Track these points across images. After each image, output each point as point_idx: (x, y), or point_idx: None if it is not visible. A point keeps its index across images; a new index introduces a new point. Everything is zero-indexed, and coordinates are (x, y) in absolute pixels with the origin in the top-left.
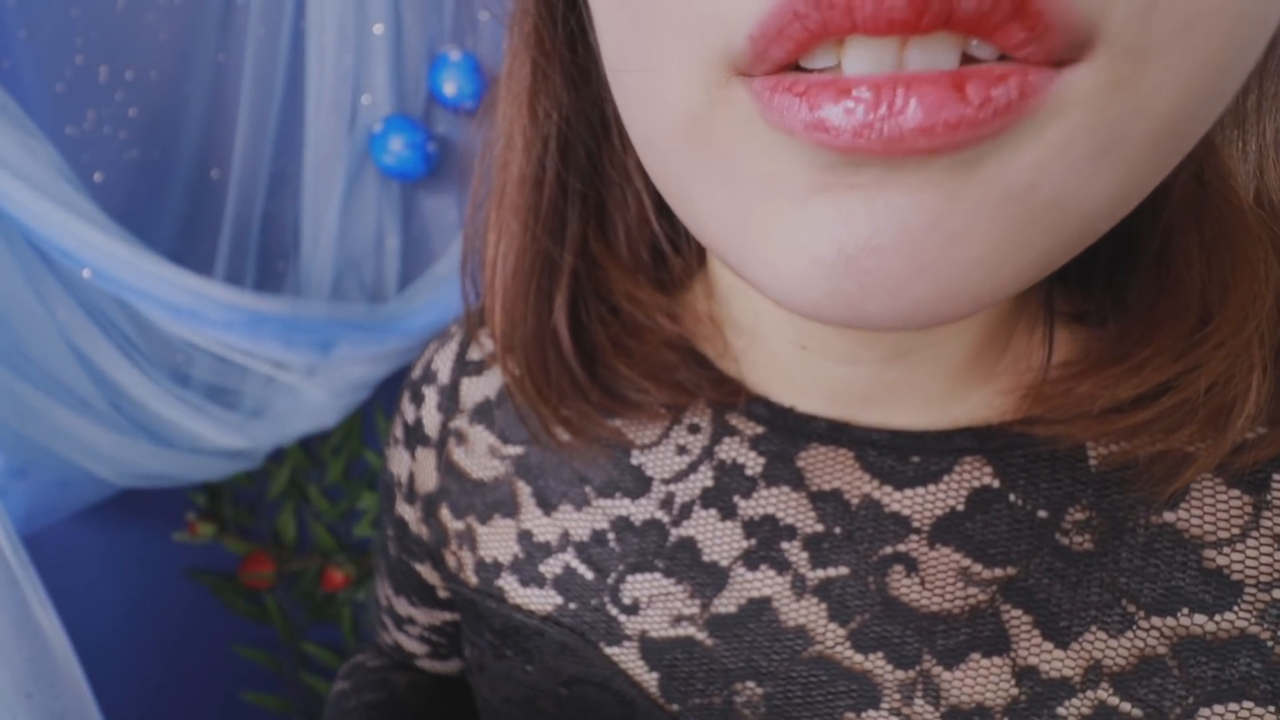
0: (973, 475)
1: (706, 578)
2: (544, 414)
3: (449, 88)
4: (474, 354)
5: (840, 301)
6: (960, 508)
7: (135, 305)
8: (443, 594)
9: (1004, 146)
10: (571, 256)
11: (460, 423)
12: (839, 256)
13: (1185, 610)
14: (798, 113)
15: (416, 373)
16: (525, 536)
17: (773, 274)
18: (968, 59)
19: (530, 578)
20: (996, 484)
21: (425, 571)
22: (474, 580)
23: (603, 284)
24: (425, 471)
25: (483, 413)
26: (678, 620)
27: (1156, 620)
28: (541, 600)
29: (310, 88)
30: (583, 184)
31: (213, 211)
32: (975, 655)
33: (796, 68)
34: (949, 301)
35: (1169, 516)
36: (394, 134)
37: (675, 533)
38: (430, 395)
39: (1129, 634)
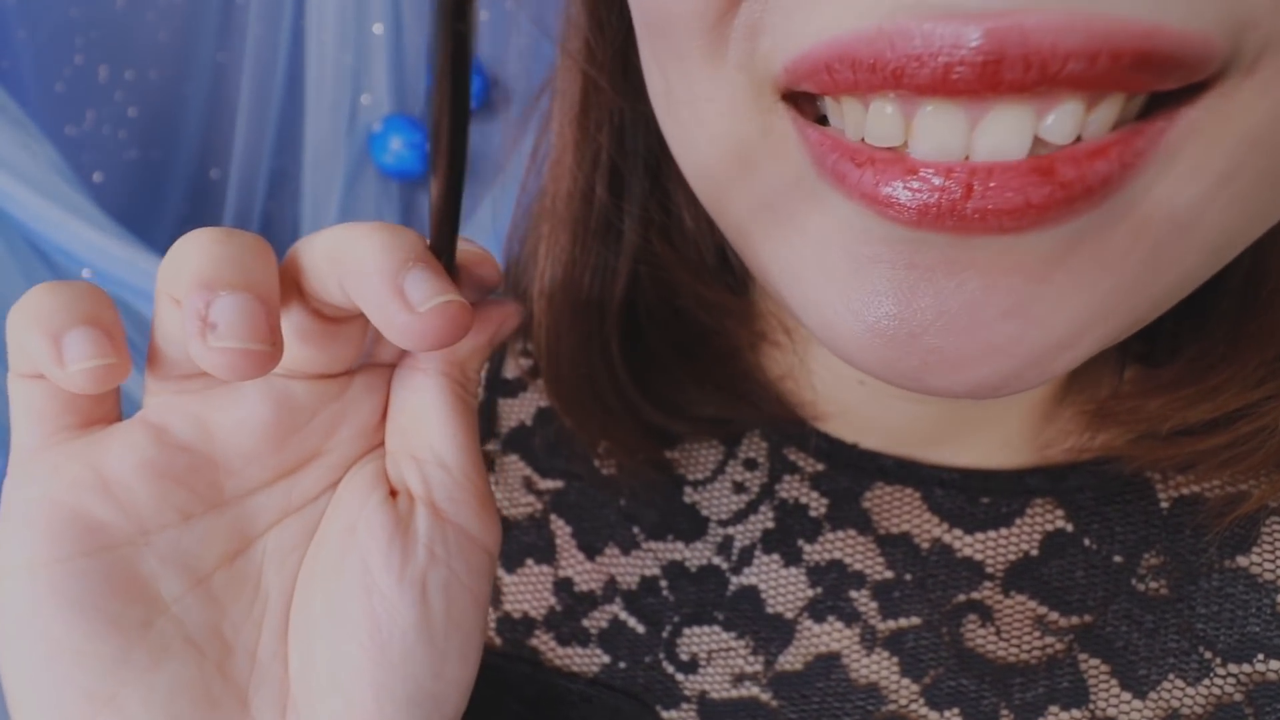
0: (1044, 518)
1: (771, 631)
2: (590, 433)
3: None
4: (508, 372)
5: (900, 372)
6: (1034, 553)
7: (135, 305)
8: None
9: (1103, 219)
10: (628, 263)
11: (493, 448)
12: (900, 330)
13: (1260, 656)
14: (857, 182)
15: None
16: (564, 586)
17: (832, 334)
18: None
19: (571, 634)
20: (1069, 528)
21: None
22: (497, 641)
23: (667, 286)
24: None
25: (518, 440)
26: (739, 679)
27: (1233, 667)
28: (586, 660)
29: (310, 88)
30: (640, 191)
31: (213, 211)
32: (1054, 709)
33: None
34: (1016, 380)
35: (1241, 561)
36: (394, 134)
37: (735, 580)
38: None
39: (1206, 682)
